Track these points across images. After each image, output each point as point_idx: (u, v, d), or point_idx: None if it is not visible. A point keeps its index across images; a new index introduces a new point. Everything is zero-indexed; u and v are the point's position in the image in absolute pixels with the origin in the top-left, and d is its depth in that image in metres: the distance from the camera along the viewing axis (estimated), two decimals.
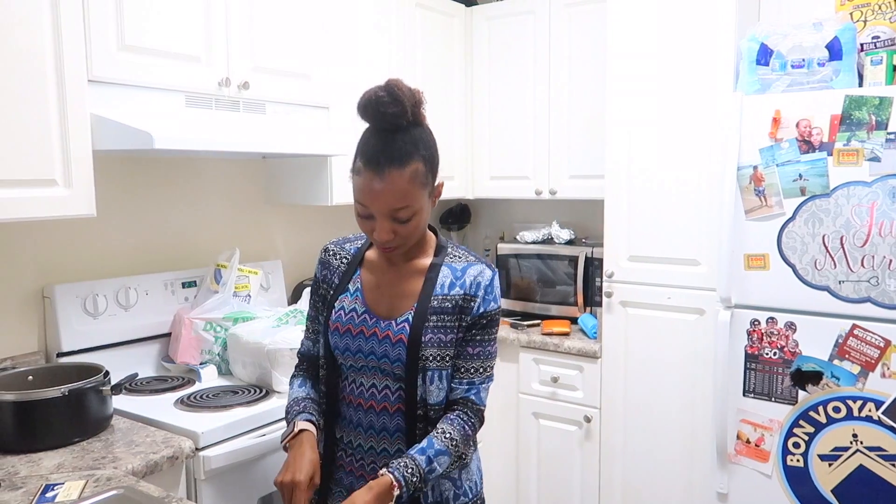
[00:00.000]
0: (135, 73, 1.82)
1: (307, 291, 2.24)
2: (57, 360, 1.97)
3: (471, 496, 1.46)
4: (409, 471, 1.28)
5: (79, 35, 1.69)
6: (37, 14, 1.61)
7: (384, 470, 1.28)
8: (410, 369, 1.36)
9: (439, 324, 1.37)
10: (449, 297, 1.39)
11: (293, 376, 1.55)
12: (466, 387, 1.40)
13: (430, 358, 1.36)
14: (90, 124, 1.72)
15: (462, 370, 1.40)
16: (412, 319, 1.37)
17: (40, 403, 1.59)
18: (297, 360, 1.58)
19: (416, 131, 1.30)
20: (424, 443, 1.34)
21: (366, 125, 1.34)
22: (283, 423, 1.86)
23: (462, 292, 1.39)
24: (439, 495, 1.41)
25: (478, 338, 1.41)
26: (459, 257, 1.44)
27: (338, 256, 1.51)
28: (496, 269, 1.45)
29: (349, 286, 1.45)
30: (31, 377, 1.76)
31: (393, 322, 1.38)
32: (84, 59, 1.71)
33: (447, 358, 1.38)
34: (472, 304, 1.39)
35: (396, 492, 1.26)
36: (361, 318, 1.41)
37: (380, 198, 1.28)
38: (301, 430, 1.38)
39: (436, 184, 1.37)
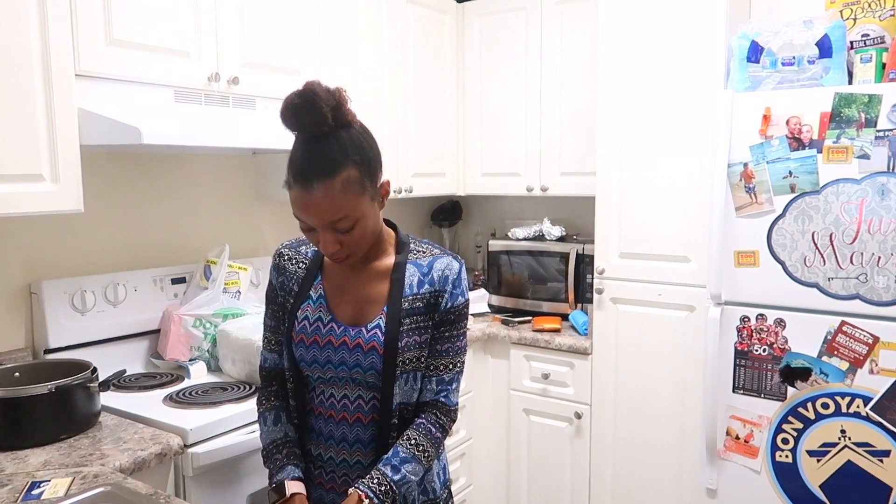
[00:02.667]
0: (123, 68, 1.81)
1: None
2: (44, 357, 1.95)
3: (432, 496, 1.42)
4: (376, 482, 1.25)
5: (66, 29, 1.67)
6: (23, 7, 1.59)
7: (351, 489, 1.25)
8: (386, 377, 1.30)
9: (413, 325, 1.32)
10: (419, 296, 1.33)
11: (263, 409, 1.42)
12: (437, 388, 1.36)
13: (408, 361, 1.32)
14: (77, 119, 1.71)
15: (431, 368, 1.35)
16: (385, 325, 1.31)
17: (27, 400, 1.58)
18: (263, 382, 1.46)
19: (344, 135, 1.20)
20: (389, 453, 1.30)
21: None
22: None
23: (431, 289, 1.34)
24: (402, 499, 1.37)
25: (446, 334, 1.35)
26: (424, 252, 1.38)
27: (293, 261, 1.41)
28: (462, 261, 1.40)
29: (311, 293, 1.37)
30: (17, 374, 1.75)
31: (363, 329, 1.32)
32: (71, 53, 1.69)
33: (422, 358, 1.34)
34: (440, 299, 1.34)
35: (369, 501, 1.22)
36: (328, 328, 1.33)
37: (314, 212, 1.20)
38: (293, 494, 1.29)
39: (378, 185, 1.27)
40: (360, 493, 1.23)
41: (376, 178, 1.26)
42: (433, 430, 1.34)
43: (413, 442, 1.31)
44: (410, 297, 1.33)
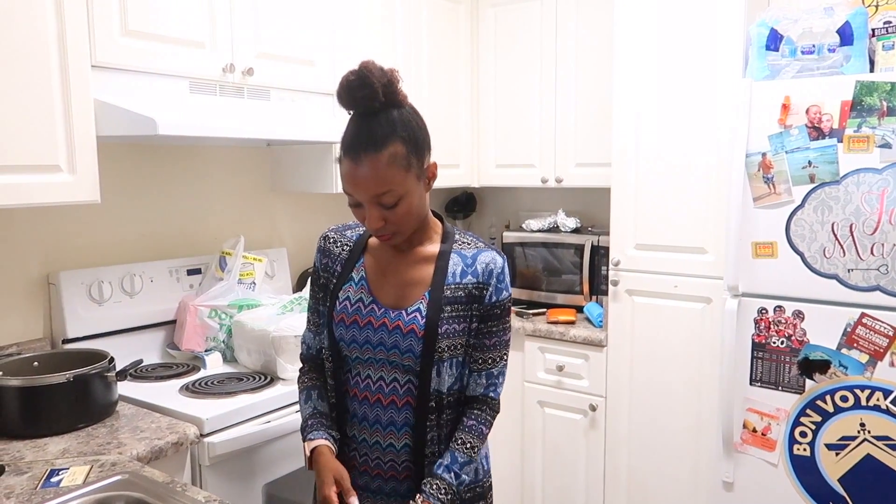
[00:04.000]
0: (138, 59, 1.82)
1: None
2: (62, 347, 1.97)
3: (477, 478, 1.45)
4: (441, 490, 1.30)
5: (82, 20, 1.68)
6: (40, 0, 1.60)
7: (419, 497, 1.29)
8: (425, 361, 1.32)
9: (453, 314, 1.34)
10: (461, 286, 1.35)
11: (299, 391, 1.47)
12: (486, 382, 1.39)
13: (446, 349, 1.33)
14: (94, 110, 1.72)
15: (480, 361, 1.38)
16: (426, 310, 1.33)
17: (46, 389, 1.60)
18: (301, 364, 1.51)
19: (395, 113, 1.25)
20: (447, 458, 1.33)
21: None
22: (287, 411, 1.89)
23: (474, 280, 1.35)
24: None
25: (494, 328, 1.38)
26: (468, 244, 1.40)
27: (338, 244, 1.44)
28: (505, 257, 1.42)
29: (353, 275, 1.40)
30: (36, 363, 1.77)
31: (403, 312, 1.33)
32: (87, 44, 1.70)
33: (460, 346, 1.35)
34: (485, 292, 1.35)
35: None
36: (369, 309, 1.36)
37: (360, 184, 1.24)
38: (313, 450, 1.34)
39: (425, 165, 1.30)
40: (428, 500, 1.29)
41: (423, 157, 1.29)
42: (484, 429, 1.38)
43: (468, 445, 1.35)
44: (453, 286, 1.35)
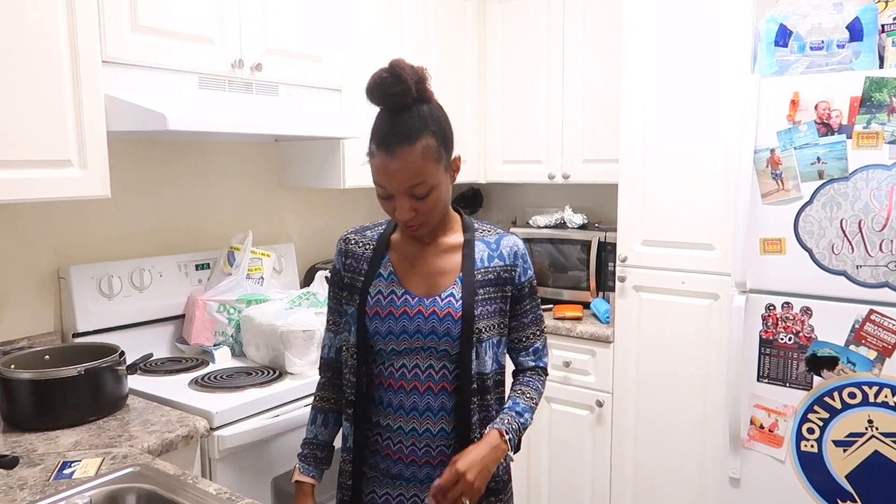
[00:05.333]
0: (148, 55, 1.82)
1: (319, 275, 2.26)
2: (72, 341, 1.98)
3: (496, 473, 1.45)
4: (510, 422, 1.37)
5: (92, 16, 1.69)
6: None
7: (488, 427, 1.35)
8: (464, 344, 1.36)
9: (486, 296, 1.40)
10: (490, 269, 1.42)
11: (311, 405, 1.54)
12: (534, 356, 1.50)
13: (483, 329, 1.38)
14: (104, 105, 1.72)
15: (523, 340, 1.49)
16: (461, 294, 1.37)
17: (57, 382, 1.61)
18: (320, 372, 1.54)
19: (425, 108, 1.30)
20: (510, 402, 1.43)
21: (378, 109, 1.35)
22: (296, 405, 1.90)
23: (502, 263, 1.43)
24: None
25: (527, 306, 1.47)
26: (489, 231, 1.48)
27: (360, 244, 1.47)
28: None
29: (381, 271, 1.42)
30: (47, 357, 1.78)
31: (437, 298, 1.38)
32: (98, 40, 1.70)
33: (495, 327, 1.42)
34: (514, 273, 1.43)
35: (508, 435, 1.34)
36: (402, 299, 1.39)
37: (395, 177, 1.28)
38: (297, 481, 1.48)
39: (451, 158, 1.36)
40: (499, 430, 1.34)
41: (450, 150, 1.35)
42: (540, 387, 1.49)
43: (527, 396, 1.44)
44: (482, 270, 1.41)
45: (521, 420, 1.39)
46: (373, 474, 1.44)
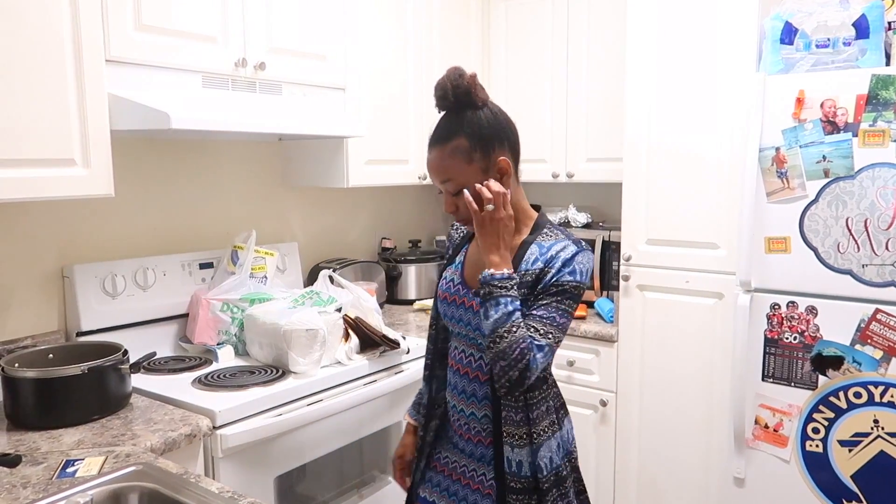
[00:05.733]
0: (152, 54, 1.83)
1: (323, 273, 2.26)
2: (76, 339, 1.99)
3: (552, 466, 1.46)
4: (508, 285, 1.35)
5: (96, 15, 1.69)
6: None
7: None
8: None
9: (522, 298, 1.37)
10: (531, 272, 1.40)
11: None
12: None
13: None
14: (108, 104, 1.73)
15: (529, 328, 1.39)
16: None
17: (61, 381, 1.61)
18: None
19: (468, 112, 1.40)
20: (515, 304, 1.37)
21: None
22: (299, 404, 1.90)
23: (542, 266, 1.40)
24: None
25: (543, 302, 1.37)
26: (552, 236, 1.44)
27: (459, 231, 1.64)
28: (588, 250, 1.43)
29: (457, 258, 1.57)
30: (51, 355, 1.78)
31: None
32: (101, 39, 1.71)
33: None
34: (547, 275, 1.38)
35: (489, 272, 1.35)
36: (457, 288, 1.51)
37: (431, 172, 1.45)
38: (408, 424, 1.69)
39: (491, 159, 1.39)
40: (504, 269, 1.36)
41: (490, 152, 1.40)
42: (527, 348, 1.32)
43: (521, 322, 1.33)
44: (523, 272, 1.40)
45: (510, 300, 1.33)
46: (444, 437, 1.57)
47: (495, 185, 1.37)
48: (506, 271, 1.36)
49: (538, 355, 1.34)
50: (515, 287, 1.36)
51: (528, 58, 2.98)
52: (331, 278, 2.25)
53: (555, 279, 1.38)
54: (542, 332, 1.36)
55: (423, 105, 2.78)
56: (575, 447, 1.56)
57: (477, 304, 1.42)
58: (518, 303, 1.35)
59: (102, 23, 1.71)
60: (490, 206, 1.36)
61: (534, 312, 1.38)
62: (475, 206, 1.37)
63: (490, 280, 1.35)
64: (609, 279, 2.77)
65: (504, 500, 1.44)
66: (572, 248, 1.41)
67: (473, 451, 1.50)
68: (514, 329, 1.33)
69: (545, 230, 1.46)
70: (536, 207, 1.52)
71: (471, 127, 1.39)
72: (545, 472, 1.43)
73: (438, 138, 1.42)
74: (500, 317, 1.33)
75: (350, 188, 2.54)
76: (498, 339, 1.33)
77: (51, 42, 1.61)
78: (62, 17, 1.63)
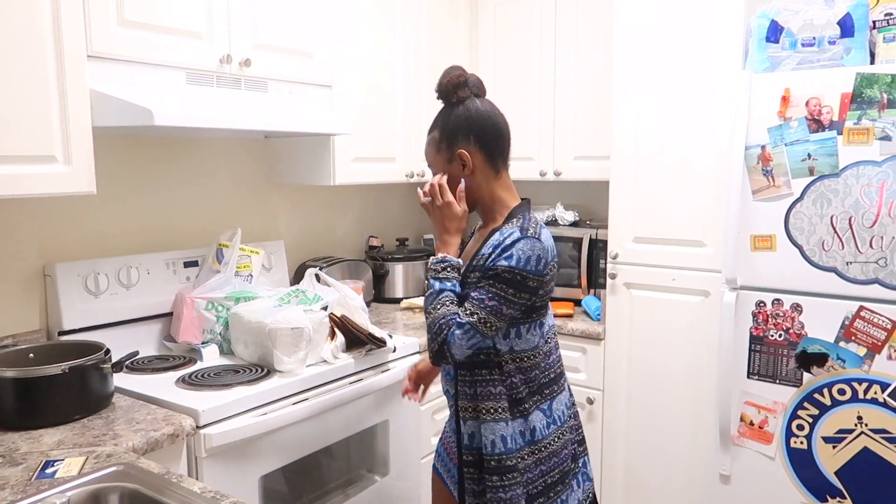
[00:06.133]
0: (135, 49, 1.80)
1: (309, 272, 2.25)
2: (58, 339, 1.96)
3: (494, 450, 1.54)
4: (446, 267, 1.54)
5: (78, 10, 1.66)
6: None
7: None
8: None
9: (474, 279, 1.53)
10: (483, 256, 1.53)
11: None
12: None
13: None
14: (90, 100, 1.70)
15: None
16: (462, 274, 1.58)
17: (41, 380, 1.59)
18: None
19: (449, 109, 1.58)
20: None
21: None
22: (284, 403, 1.89)
23: (490, 250, 1.51)
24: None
25: (480, 285, 1.50)
26: (514, 224, 1.52)
27: (474, 227, 1.76)
28: (535, 238, 1.49)
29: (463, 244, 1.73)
30: (32, 354, 1.76)
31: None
32: (83, 34, 1.68)
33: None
34: (489, 261, 1.50)
35: (431, 259, 1.56)
36: None
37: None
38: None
39: (454, 151, 1.56)
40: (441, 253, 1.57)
41: (454, 144, 1.56)
42: (447, 324, 1.49)
43: (452, 302, 1.51)
44: (481, 256, 1.53)
45: (442, 281, 1.52)
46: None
47: (436, 179, 1.58)
48: (440, 255, 1.55)
49: (457, 332, 1.48)
50: (448, 269, 1.53)
51: (516, 56, 2.98)
52: (317, 276, 2.23)
53: (491, 263, 1.48)
54: (468, 311, 1.48)
55: (410, 103, 2.77)
56: (554, 453, 1.57)
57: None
58: (449, 284, 1.53)
59: (84, 18, 1.68)
60: (425, 199, 1.59)
61: (469, 293, 1.52)
62: (422, 198, 1.60)
63: (430, 263, 1.55)
64: (596, 277, 2.77)
65: (461, 469, 1.60)
66: (516, 235, 1.48)
67: (451, 423, 1.67)
68: (439, 307, 1.50)
69: (514, 219, 1.54)
70: (527, 200, 1.63)
71: (444, 121, 1.58)
72: (487, 451, 1.53)
73: (429, 129, 1.62)
74: (429, 295, 1.53)
75: (337, 186, 2.53)
76: (426, 315, 1.53)
77: (31, 37, 1.58)
78: (42, 11, 1.60)
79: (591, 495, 1.67)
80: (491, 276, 1.48)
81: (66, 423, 1.61)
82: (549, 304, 1.63)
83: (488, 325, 1.47)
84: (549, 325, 1.62)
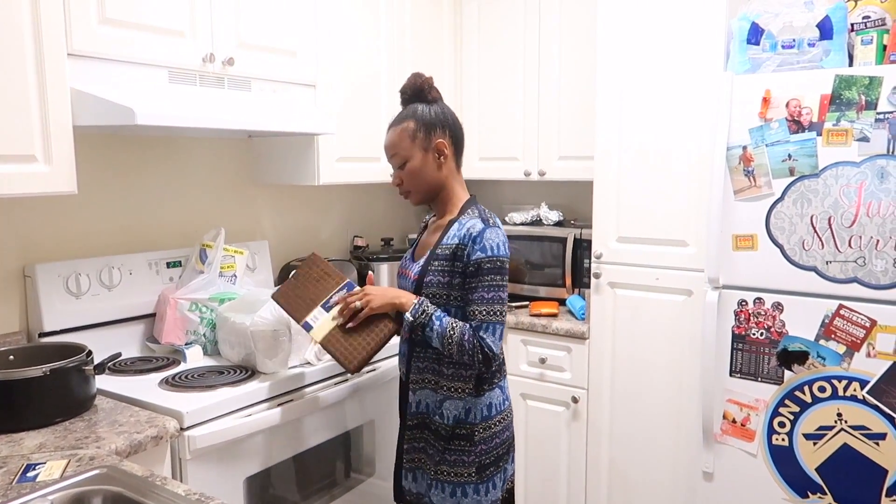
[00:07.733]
0: (116, 48, 1.78)
1: (294, 273, 2.23)
2: (39, 340, 1.94)
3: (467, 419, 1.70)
4: (426, 310, 1.63)
5: (58, 7, 1.64)
6: None
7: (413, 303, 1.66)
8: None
9: (438, 268, 1.66)
10: (448, 246, 1.66)
11: None
12: (475, 328, 1.62)
13: (432, 295, 1.67)
14: (70, 99, 1.68)
15: (470, 314, 1.63)
16: (423, 263, 1.70)
17: (21, 383, 1.57)
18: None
19: (420, 105, 1.71)
20: (440, 311, 1.65)
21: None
22: (268, 404, 1.88)
23: (457, 242, 1.64)
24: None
25: (473, 284, 1.62)
26: (470, 215, 1.68)
27: (424, 221, 1.91)
28: (496, 227, 1.65)
29: (417, 239, 1.87)
30: (12, 357, 1.74)
31: (416, 264, 1.74)
32: (63, 32, 1.66)
33: (443, 297, 1.66)
34: (464, 252, 1.63)
35: (417, 308, 1.63)
36: (406, 263, 1.82)
37: (385, 151, 1.75)
38: None
39: (432, 140, 1.69)
40: (417, 301, 1.65)
41: (431, 134, 1.69)
42: (463, 333, 1.60)
43: (454, 324, 1.62)
44: (444, 246, 1.67)
45: (434, 319, 1.62)
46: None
47: (351, 299, 1.71)
48: (413, 303, 1.64)
49: (486, 336, 1.61)
50: (426, 306, 1.63)
51: (500, 55, 2.99)
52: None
53: (472, 258, 1.61)
54: (484, 313, 1.61)
55: (395, 103, 2.74)
56: (506, 427, 1.75)
57: (413, 274, 1.72)
58: (436, 314, 1.62)
59: (64, 15, 1.66)
60: (361, 309, 1.70)
61: (470, 297, 1.62)
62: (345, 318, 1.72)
63: (413, 316, 1.63)
64: (580, 277, 2.79)
65: (402, 433, 1.80)
66: (479, 226, 1.63)
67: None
68: (454, 333, 1.60)
69: (468, 211, 1.70)
70: (474, 196, 1.79)
71: (419, 114, 1.70)
72: (447, 421, 1.68)
73: (393, 122, 1.73)
74: (437, 333, 1.61)
75: (321, 186, 2.52)
76: (451, 349, 1.61)
77: (9, 34, 1.56)
78: (21, 8, 1.58)
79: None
80: (477, 272, 1.61)
81: (47, 425, 1.59)
82: None
83: (498, 312, 1.63)
84: None
